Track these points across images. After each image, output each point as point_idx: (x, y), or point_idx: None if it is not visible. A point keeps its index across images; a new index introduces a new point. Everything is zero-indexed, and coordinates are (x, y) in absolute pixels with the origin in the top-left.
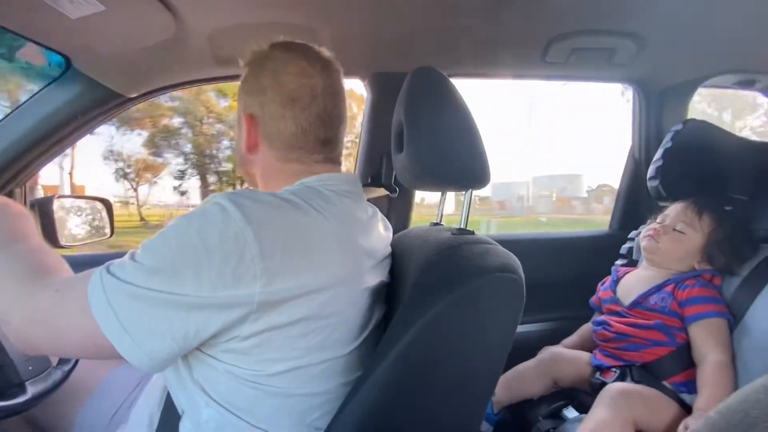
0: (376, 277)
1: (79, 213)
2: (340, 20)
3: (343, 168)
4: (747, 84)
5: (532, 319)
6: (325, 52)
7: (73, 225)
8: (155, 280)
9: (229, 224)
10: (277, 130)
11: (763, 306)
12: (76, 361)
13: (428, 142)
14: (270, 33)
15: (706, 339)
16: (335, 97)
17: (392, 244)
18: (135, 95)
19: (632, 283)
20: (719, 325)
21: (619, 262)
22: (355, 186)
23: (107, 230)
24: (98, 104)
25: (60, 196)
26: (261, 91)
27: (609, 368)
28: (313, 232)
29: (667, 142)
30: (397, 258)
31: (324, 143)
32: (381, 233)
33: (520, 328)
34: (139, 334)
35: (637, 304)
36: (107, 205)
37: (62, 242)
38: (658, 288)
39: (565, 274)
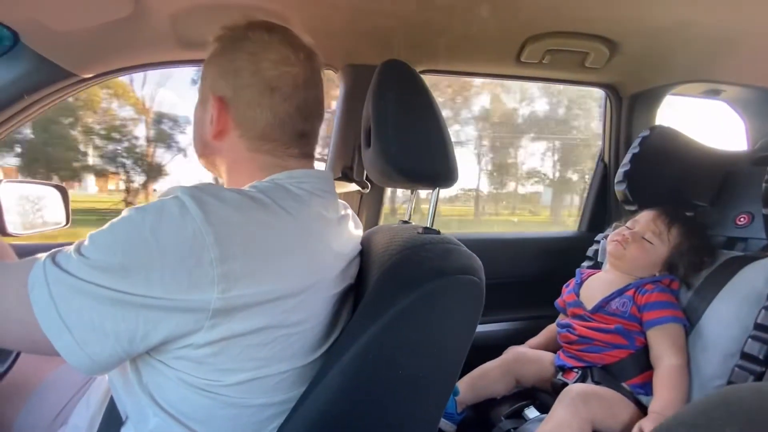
0: (344, 280)
1: (30, 199)
2: (315, 9)
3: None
4: (713, 93)
5: (499, 318)
6: (307, 40)
7: (24, 212)
8: (103, 276)
9: (187, 223)
10: (252, 118)
11: (717, 311)
12: (16, 358)
13: (395, 138)
14: (239, 18)
15: (662, 343)
16: (316, 89)
17: (361, 242)
18: (90, 75)
19: (595, 287)
20: (675, 330)
21: (585, 263)
22: (328, 184)
23: (62, 219)
24: (48, 83)
25: (9, 181)
26: (235, 73)
27: (571, 369)
28: (281, 235)
29: (634, 147)
30: (363, 256)
31: (300, 136)
32: (352, 233)
33: (487, 328)
34: (82, 332)
35: (600, 308)
36: (63, 192)
37: (9, 230)
38: (620, 293)
39: (533, 275)
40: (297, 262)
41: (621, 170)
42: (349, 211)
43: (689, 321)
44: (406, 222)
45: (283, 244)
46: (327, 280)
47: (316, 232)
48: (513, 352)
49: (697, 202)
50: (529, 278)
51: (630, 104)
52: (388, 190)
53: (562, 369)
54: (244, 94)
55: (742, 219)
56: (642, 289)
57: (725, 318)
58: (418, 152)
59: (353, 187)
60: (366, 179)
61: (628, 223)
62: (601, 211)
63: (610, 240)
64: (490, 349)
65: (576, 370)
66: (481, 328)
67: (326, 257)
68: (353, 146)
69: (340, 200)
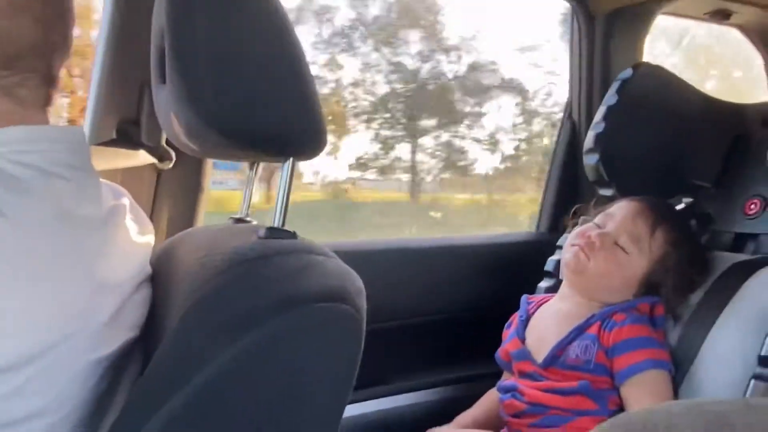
0: (119, 331)
1: None
2: None
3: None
4: (721, 16)
5: (411, 386)
6: None
7: None
8: None
9: None
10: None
11: (715, 345)
12: None
13: (210, 71)
14: None
15: (641, 402)
16: None
17: (157, 257)
18: None
19: (545, 326)
20: (658, 378)
21: (542, 284)
22: (79, 155)
23: None
24: None
25: None
26: None
27: None
28: None
29: (611, 96)
30: (162, 281)
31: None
32: (130, 242)
33: (392, 403)
34: None
35: (554, 359)
36: None
37: None
38: (579, 331)
39: (464, 308)
40: (20, 303)
41: (591, 132)
42: (125, 201)
43: (682, 362)
44: (239, 220)
45: None
46: (84, 335)
47: (57, 245)
48: None
49: (697, 182)
50: (456, 314)
51: (606, 27)
52: None
53: None
54: None
55: (752, 205)
56: (609, 322)
57: (725, 354)
58: (257, 99)
59: (142, 158)
60: (167, 144)
61: (597, 219)
62: (569, 200)
63: (568, 244)
64: None
65: None
66: (383, 404)
67: (79, 291)
68: (135, 84)
69: (107, 183)
